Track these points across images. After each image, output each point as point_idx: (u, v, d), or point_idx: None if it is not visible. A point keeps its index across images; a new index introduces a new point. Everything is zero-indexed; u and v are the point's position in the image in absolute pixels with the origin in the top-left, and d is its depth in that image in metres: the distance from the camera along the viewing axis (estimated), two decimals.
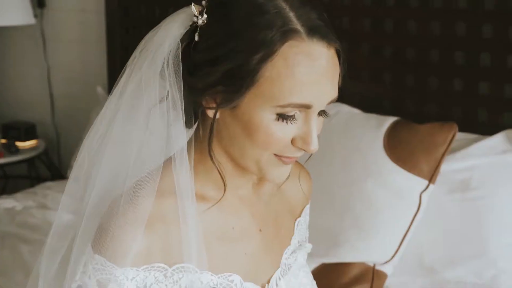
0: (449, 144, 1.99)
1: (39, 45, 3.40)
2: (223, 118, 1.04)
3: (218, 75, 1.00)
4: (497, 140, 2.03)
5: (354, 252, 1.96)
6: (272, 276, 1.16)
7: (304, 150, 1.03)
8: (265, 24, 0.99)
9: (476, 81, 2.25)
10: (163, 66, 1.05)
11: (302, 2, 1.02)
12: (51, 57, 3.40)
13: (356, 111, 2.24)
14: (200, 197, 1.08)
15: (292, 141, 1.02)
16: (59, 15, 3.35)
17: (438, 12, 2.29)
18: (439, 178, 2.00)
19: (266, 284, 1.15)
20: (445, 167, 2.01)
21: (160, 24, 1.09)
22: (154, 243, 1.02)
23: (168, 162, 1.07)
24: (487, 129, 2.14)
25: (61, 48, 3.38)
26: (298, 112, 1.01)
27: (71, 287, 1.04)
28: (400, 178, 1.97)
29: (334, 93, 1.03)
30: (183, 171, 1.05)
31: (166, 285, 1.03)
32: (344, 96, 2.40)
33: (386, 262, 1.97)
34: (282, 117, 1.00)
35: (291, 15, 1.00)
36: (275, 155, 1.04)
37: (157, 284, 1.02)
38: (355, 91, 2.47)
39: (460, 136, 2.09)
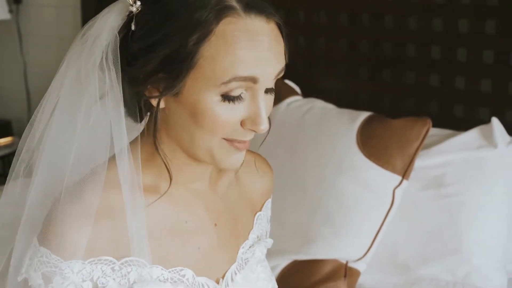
0: (422, 140, 1.96)
1: (15, 40, 3.36)
2: (168, 107, 1.02)
3: (157, 61, 0.98)
4: (472, 135, 2.01)
5: (327, 249, 1.93)
6: (227, 270, 1.14)
7: (254, 131, 1.01)
8: (199, 4, 0.97)
9: (453, 76, 2.23)
10: (101, 59, 1.02)
11: None
12: (27, 52, 3.36)
13: (330, 106, 2.21)
14: (151, 190, 1.06)
15: (242, 123, 1.00)
16: (35, 10, 3.31)
17: (415, 7, 2.27)
18: (413, 174, 1.97)
19: (221, 279, 1.13)
20: (419, 162, 1.99)
21: (97, 16, 1.06)
22: (101, 236, 1.00)
23: (115, 156, 1.04)
24: (464, 124, 2.12)
25: (37, 43, 3.34)
26: (244, 91, 0.99)
27: (16, 279, 1.03)
28: (373, 173, 1.95)
29: (279, 66, 1.00)
30: (126, 163, 1.02)
31: (114, 278, 1.01)
32: (321, 91, 2.40)
33: (359, 259, 1.94)
34: (227, 98, 0.98)
35: None
36: (226, 140, 1.01)
37: (104, 277, 1.00)
38: (332, 86, 2.44)
39: (435, 131, 2.07)
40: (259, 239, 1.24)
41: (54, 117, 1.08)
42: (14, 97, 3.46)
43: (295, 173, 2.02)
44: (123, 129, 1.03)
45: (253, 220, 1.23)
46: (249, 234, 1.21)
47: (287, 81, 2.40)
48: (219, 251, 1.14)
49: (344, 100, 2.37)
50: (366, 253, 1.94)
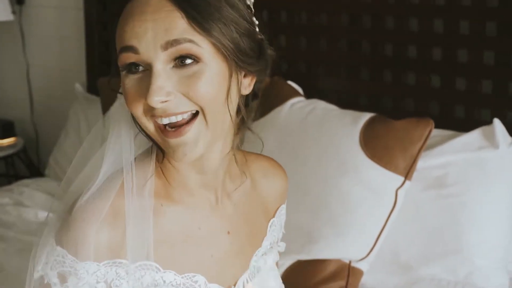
0: (425, 140, 1.98)
1: (17, 41, 3.37)
2: None
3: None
4: (473, 136, 2.02)
5: (330, 249, 1.94)
6: (239, 278, 1.15)
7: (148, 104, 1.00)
8: None
9: (453, 77, 2.24)
10: None
11: None
12: (30, 53, 3.38)
13: (332, 107, 2.23)
14: (164, 196, 1.09)
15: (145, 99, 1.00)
16: (37, 11, 3.33)
17: (415, 8, 2.28)
18: (415, 175, 1.99)
19: (233, 286, 1.14)
20: (421, 163, 2.00)
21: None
22: (117, 239, 1.02)
23: (135, 162, 1.08)
24: (464, 125, 2.13)
25: (40, 44, 3.35)
26: (141, 66, 1.01)
27: (33, 276, 1.05)
28: (376, 174, 1.96)
29: (166, 36, 0.98)
30: (137, 170, 1.06)
31: (127, 281, 1.02)
32: (322, 92, 2.42)
33: (362, 259, 1.96)
34: (124, 69, 1.02)
35: None
36: (156, 125, 1.02)
37: (118, 279, 1.02)
38: (333, 87, 2.46)
39: (437, 132, 2.09)
40: (272, 246, 1.24)
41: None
42: (17, 97, 3.47)
43: (298, 174, 2.03)
44: (132, 141, 1.08)
45: (267, 227, 1.24)
46: (262, 241, 1.22)
47: (290, 82, 2.41)
48: (232, 258, 1.15)
49: (345, 100, 2.39)
50: (369, 253, 1.95)
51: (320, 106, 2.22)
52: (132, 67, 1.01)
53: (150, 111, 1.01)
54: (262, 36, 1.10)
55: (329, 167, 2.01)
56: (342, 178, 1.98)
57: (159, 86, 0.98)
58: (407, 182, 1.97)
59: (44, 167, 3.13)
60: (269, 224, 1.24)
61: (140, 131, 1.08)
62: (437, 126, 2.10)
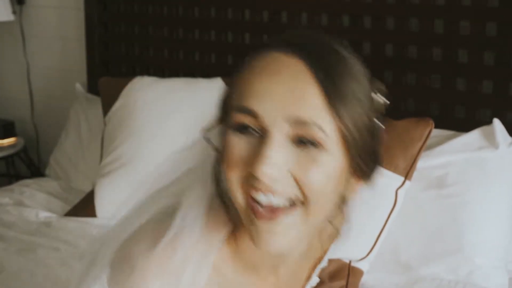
0: (425, 140, 1.98)
1: (18, 41, 3.38)
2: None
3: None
4: (473, 136, 2.03)
5: (330, 248, 1.94)
6: None
7: (253, 174, 0.88)
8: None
9: (454, 78, 2.25)
10: None
11: (306, 32, 0.96)
12: (31, 54, 3.38)
13: None
14: (225, 260, 1.04)
15: (249, 163, 0.90)
16: (38, 11, 3.33)
17: (415, 8, 2.29)
18: (415, 175, 1.99)
19: None
20: (421, 163, 2.01)
21: None
22: None
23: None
24: (465, 125, 2.14)
25: (40, 45, 3.36)
26: (257, 129, 0.90)
27: None
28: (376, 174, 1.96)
29: (295, 110, 0.87)
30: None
31: None
32: None
33: (362, 259, 1.96)
34: (236, 127, 0.91)
35: (281, 36, 0.95)
36: (249, 197, 0.91)
37: None
38: None
39: (437, 132, 2.09)
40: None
41: None
42: (17, 97, 3.48)
43: None
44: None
45: (313, 271, 1.18)
46: (306, 284, 1.17)
47: None
48: None
49: None
50: (369, 253, 1.95)
51: None
52: (245, 129, 0.91)
53: (249, 182, 0.90)
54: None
55: None
56: None
57: (273, 158, 0.87)
58: (407, 182, 1.97)
59: (45, 167, 3.13)
60: (317, 268, 1.20)
61: (217, 195, 0.99)
62: (437, 126, 2.11)
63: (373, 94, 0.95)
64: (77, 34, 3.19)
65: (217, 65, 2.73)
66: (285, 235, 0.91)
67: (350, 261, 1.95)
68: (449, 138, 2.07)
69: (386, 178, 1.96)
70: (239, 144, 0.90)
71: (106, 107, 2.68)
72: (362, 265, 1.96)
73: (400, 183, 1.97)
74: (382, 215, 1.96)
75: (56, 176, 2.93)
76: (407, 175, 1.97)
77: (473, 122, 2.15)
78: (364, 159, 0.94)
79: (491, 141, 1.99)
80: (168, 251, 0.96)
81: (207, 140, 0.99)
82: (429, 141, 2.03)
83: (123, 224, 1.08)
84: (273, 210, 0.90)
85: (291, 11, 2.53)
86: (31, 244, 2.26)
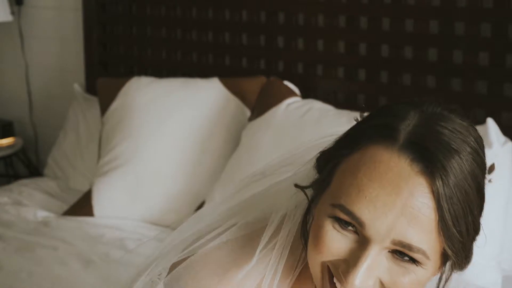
0: None
1: (16, 42, 3.39)
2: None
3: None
4: None
5: None
6: None
7: (343, 280, 0.85)
8: (373, 122, 0.90)
9: (449, 78, 2.26)
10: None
11: (432, 125, 0.86)
12: (29, 54, 3.39)
13: (328, 107, 2.25)
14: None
15: (343, 261, 0.86)
16: (36, 12, 3.34)
17: (411, 9, 2.30)
18: None
19: None
20: None
21: None
22: None
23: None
24: None
25: (38, 45, 3.37)
26: (356, 230, 0.85)
27: None
28: None
29: (409, 235, 0.82)
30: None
31: None
32: (319, 92, 2.44)
33: None
34: (335, 219, 0.86)
35: (406, 125, 0.86)
36: (328, 273, 0.88)
37: None
38: (330, 88, 2.48)
39: None
40: None
41: None
42: (16, 98, 3.49)
43: None
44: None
45: None
46: None
47: (286, 83, 2.43)
48: None
49: (342, 101, 2.41)
50: None
51: (316, 106, 2.24)
52: (344, 224, 0.86)
53: (334, 269, 0.87)
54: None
55: None
56: None
57: (367, 271, 0.84)
58: None
59: (43, 167, 3.14)
60: None
61: (302, 236, 0.95)
62: None
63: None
64: (76, 34, 3.20)
65: (215, 65, 2.75)
66: None
67: None
68: None
69: None
70: (332, 235, 0.86)
71: (104, 107, 2.69)
72: None
73: None
74: None
75: (54, 176, 2.94)
76: None
77: None
78: (462, 261, 0.92)
79: (485, 140, 1.98)
80: (243, 282, 0.94)
81: (303, 190, 0.95)
82: None
83: (183, 233, 1.06)
84: None
85: (288, 11, 2.54)
86: (30, 243, 2.27)
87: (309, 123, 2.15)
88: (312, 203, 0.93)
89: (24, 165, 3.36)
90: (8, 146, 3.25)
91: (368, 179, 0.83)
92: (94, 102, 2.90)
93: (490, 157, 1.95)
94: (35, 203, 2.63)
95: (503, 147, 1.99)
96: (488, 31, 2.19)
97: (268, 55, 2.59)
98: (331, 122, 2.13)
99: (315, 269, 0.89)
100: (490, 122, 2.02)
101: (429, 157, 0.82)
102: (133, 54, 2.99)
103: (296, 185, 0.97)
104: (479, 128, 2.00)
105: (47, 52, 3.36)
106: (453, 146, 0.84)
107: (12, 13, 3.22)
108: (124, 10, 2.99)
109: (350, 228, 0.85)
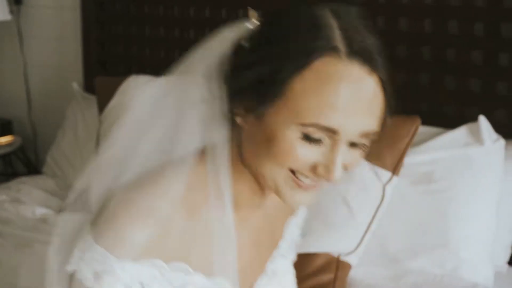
0: (412, 137, 2.02)
1: (15, 41, 3.41)
2: (248, 127, 1.01)
3: (249, 81, 0.97)
4: (460, 133, 2.07)
5: (319, 243, 1.98)
6: (256, 281, 1.16)
7: (323, 177, 0.97)
8: (308, 36, 0.95)
9: (443, 76, 2.28)
10: (213, 68, 1.03)
11: (356, 25, 0.99)
12: (28, 53, 3.41)
13: None
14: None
15: (315, 167, 0.97)
16: (35, 11, 3.36)
17: (405, 8, 2.32)
18: (403, 170, 2.03)
19: None
20: (409, 159, 2.04)
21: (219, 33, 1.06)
22: (157, 239, 0.99)
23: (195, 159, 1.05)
24: (453, 123, 2.17)
25: (37, 44, 3.39)
26: (326, 137, 0.95)
27: (57, 270, 1.05)
28: (364, 169, 2.00)
29: (370, 125, 0.96)
30: (223, 174, 1.03)
31: (159, 283, 1.00)
32: None
33: (350, 253, 1.99)
34: (307, 138, 0.94)
35: (338, 33, 0.95)
36: (293, 176, 0.98)
37: (152, 281, 1.00)
38: None
39: (425, 129, 2.13)
40: (290, 247, 1.24)
41: (157, 112, 1.09)
42: (15, 96, 3.51)
43: None
44: (225, 143, 1.03)
45: (283, 227, 1.23)
46: (279, 242, 1.21)
47: None
48: (253, 262, 1.15)
49: None
50: (357, 247, 1.99)
51: None
52: (321, 139, 0.95)
53: (299, 173, 0.98)
54: None
55: None
56: None
57: (342, 164, 0.96)
58: (395, 177, 2.01)
59: (42, 165, 3.16)
60: (288, 224, 1.24)
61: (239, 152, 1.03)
62: (426, 124, 2.14)
63: None
64: (74, 33, 3.22)
65: None
66: (312, 197, 1.01)
67: (338, 255, 1.99)
68: (436, 135, 2.10)
69: (374, 173, 2.00)
70: (302, 148, 0.95)
71: (102, 106, 2.71)
72: (350, 259, 2.00)
73: (388, 178, 2.00)
74: (370, 209, 1.99)
75: (53, 174, 2.96)
76: (395, 170, 2.01)
77: (461, 120, 2.18)
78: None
79: (477, 137, 2.03)
80: (157, 196, 1.00)
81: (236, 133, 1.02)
82: (417, 138, 2.07)
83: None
84: (314, 185, 0.99)
85: None
86: (28, 240, 2.28)
87: None
88: (248, 115, 0.99)
89: (22, 163, 3.38)
90: (7, 145, 3.27)
91: (334, 93, 0.92)
92: (92, 101, 2.91)
93: (482, 154, 2.00)
94: (33, 200, 2.65)
95: (495, 144, 2.02)
96: (481, 30, 2.21)
97: None
98: None
99: (276, 176, 0.98)
100: (482, 119, 2.04)
101: (369, 56, 0.96)
102: (132, 53, 3.01)
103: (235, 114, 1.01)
104: (471, 125, 2.06)
105: (45, 51, 3.38)
106: (373, 39, 1.00)
107: (11, 12, 3.24)
108: (123, 10, 3.01)
109: (321, 139, 0.95)
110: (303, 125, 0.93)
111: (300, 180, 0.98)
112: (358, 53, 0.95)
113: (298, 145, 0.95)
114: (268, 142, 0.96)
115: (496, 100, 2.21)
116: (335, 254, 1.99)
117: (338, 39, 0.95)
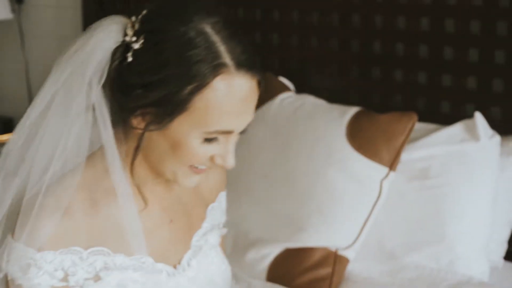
0: (408, 133, 2.04)
1: (17, 39, 3.43)
2: (149, 134, 1.14)
3: (151, 99, 1.09)
4: (456, 129, 2.09)
5: (317, 237, 2.01)
6: (183, 257, 1.26)
7: (221, 165, 1.16)
8: (197, 58, 1.08)
9: (440, 74, 2.31)
10: (92, 76, 1.12)
11: (230, 35, 1.12)
12: (29, 51, 3.43)
13: (320, 102, 2.29)
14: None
15: (212, 158, 1.15)
16: (36, 10, 3.38)
17: (403, 7, 2.35)
18: (400, 166, 2.05)
19: (178, 265, 1.25)
20: (405, 155, 2.06)
21: (90, 32, 1.15)
22: (71, 229, 1.11)
23: (89, 160, 1.17)
24: (450, 120, 2.19)
25: (38, 43, 3.41)
26: (221, 136, 1.13)
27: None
28: (362, 165, 2.03)
29: (251, 118, 1.15)
30: (119, 170, 1.16)
31: (82, 267, 1.11)
32: (313, 88, 2.48)
33: (347, 247, 2.01)
34: (207, 140, 1.12)
35: (222, 49, 1.09)
36: (192, 167, 1.16)
37: (74, 266, 1.11)
38: (324, 84, 2.52)
39: (422, 126, 2.15)
40: (213, 228, 1.35)
41: (45, 120, 1.19)
42: (16, 94, 3.52)
43: (287, 165, 2.10)
44: (112, 142, 1.15)
45: (206, 212, 1.36)
46: (201, 223, 1.33)
47: (281, 78, 2.48)
48: (175, 242, 1.26)
49: (335, 96, 2.44)
50: (354, 242, 2.01)
51: (309, 101, 2.28)
52: (217, 137, 1.13)
53: (200, 165, 1.17)
54: None
55: (316, 159, 2.07)
56: (329, 169, 2.04)
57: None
58: (392, 173, 2.03)
59: None
60: (209, 208, 1.37)
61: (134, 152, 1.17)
62: (423, 121, 2.17)
63: None
64: (75, 32, 3.24)
65: None
66: (201, 177, 1.20)
67: (336, 249, 2.01)
68: (432, 131, 2.12)
69: (371, 169, 2.02)
70: (202, 148, 1.13)
71: None
72: (348, 254, 2.02)
73: (384, 174, 2.02)
74: (368, 204, 2.02)
75: None
76: (392, 166, 2.03)
77: (458, 117, 2.20)
78: None
79: (473, 134, 2.05)
80: (64, 192, 1.12)
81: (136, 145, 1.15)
82: (414, 135, 2.09)
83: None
84: (205, 169, 1.19)
85: (283, 9, 2.59)
86: None
87: (301, 117, 2.19)
88: (155, 122, 1.11)
89: None
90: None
91: (230, 104, 1.10)
92: None
93: (478, 150, 2.02)
94: None
95: (491, 140, 2.04)
96: (478, 28, 2.23)
97: (263, 52, 2.64)
98: (323, 116, 2.17)
99: (176, 171, 1.16)
100: (478, 116, 2.07)
101: (252, 63, 1.12)
102: None
103: (135, 127, 1.13)
104: (467, 122, 2.09)
105: (46, 49, 3.39)
106: (248, 44, 1.14)
107: (13, 11, 3.26)
108: (123, 9, 3.03)
109: (217, 137, 1.13)
110: (208, 133, 1.11)
111: (197, 168, 1.16)
112: (243, 64, 1.10)
113: (199, 147, 1.12)
114: (172, 148, 1.13)
115: (492, 97, 2.23)
116: (333, 249, 2.01)
117: (224, 55, 1.09)
